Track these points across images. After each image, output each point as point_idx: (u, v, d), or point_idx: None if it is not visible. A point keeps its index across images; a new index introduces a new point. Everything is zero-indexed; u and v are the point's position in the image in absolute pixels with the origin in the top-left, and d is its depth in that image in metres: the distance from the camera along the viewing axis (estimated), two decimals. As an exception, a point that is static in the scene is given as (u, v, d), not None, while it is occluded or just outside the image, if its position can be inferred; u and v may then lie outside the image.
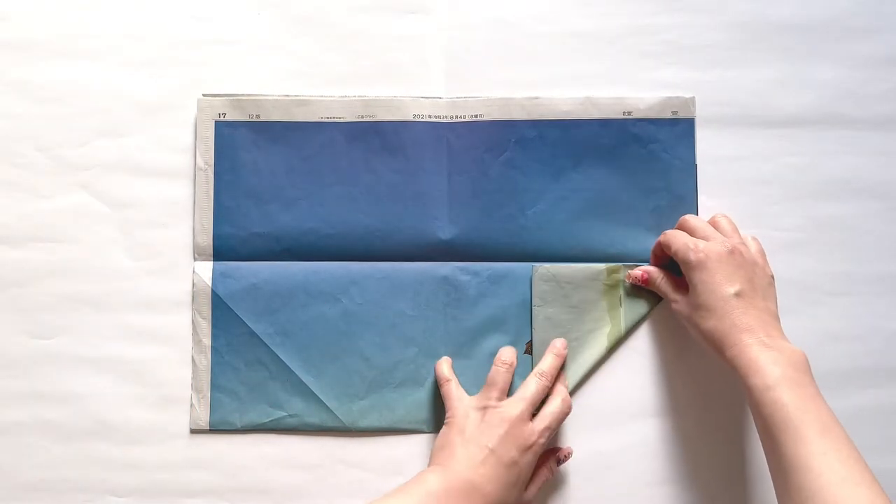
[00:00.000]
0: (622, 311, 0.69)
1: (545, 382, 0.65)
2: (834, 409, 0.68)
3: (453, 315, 0.69)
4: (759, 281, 0.62)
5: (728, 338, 0.60)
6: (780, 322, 0.62)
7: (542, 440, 0.63)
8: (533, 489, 0.64)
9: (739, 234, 0.66)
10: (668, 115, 0.70)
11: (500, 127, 0.70)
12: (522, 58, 0.71)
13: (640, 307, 0.69)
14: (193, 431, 0.69)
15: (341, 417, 0.69)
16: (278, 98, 0.70)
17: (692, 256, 0.63)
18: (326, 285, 0.69)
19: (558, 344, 0.68)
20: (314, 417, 0.69)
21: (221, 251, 0.70)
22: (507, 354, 0.67)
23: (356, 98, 0.70)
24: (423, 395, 0.69)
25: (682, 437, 0.68)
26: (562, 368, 0.67)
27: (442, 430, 0.65)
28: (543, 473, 0.65)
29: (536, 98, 0.70)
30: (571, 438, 0.69)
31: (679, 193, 0.70)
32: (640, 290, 0.69)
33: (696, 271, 0.62)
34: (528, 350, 0.69)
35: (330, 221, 0.70)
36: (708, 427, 0.69)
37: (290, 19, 0.71)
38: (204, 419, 0.69)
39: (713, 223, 0.67)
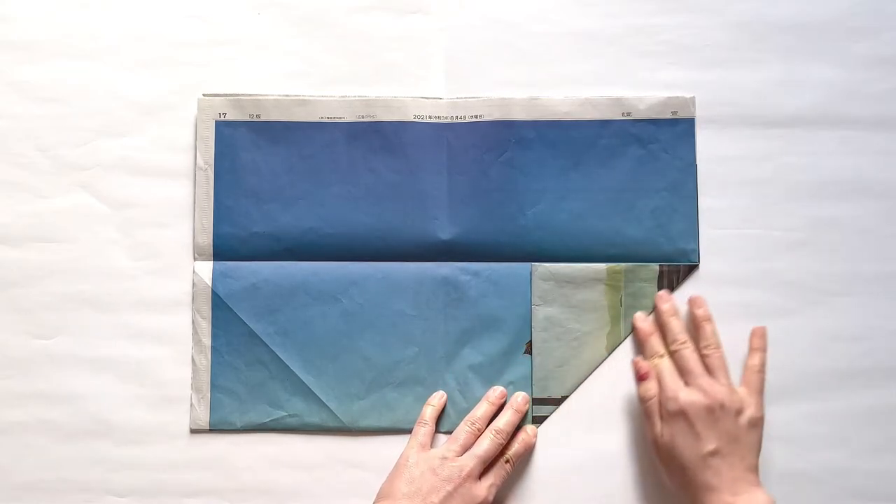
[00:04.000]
0: (623, 311, 0.69)
1: (499, 440, 0.65)
2: (834, 409, 0.68)
3: (453, 315, 0.69)
4: (738, 432, 0.62)
5: (697, 497, 0.61)
6: (756, 472, 0.62)
7: (489, 498, 0.64)
8: None
9: (726, 373, 0.65)
10: (668, 115, 0.70)
11: (500, 127, 0.70)
12: (522, 58, 0.71)
13: (641, 308, 0.69)
14: (193, 431, 0.69)
15: (341, 417, 0.69)
16: (278, 98, 0.70)
17: (671, 406, 0.62)
18: (326, 285, 0.69)
19: (519, 399, 0.68)
20: (314, 417, 0.69)
21: (221, 251, 0.70)
22: (480, 416, 0.66)
23: (356, 98, 0.70)
24: (423, 394, 0.69)
25: (682, 437, 0.68)
26: (521, 423, 0.68)
27: (390, 474, 0.64)
28: None
29: (536, 98, 0.70)
30: (571, 439, 0.69)
31: (679, 193, 0.70)
32: (642, 291, 0.69)
33: (672, 420, 0.62)
34: (528, 350, 0.69)
35: (330, 221, 0.70)
36: (708, 427, 0.69)
37: (290, 19, 0.71)
38: (204, 419, 0.69)
39: (696, 328, 0.66)
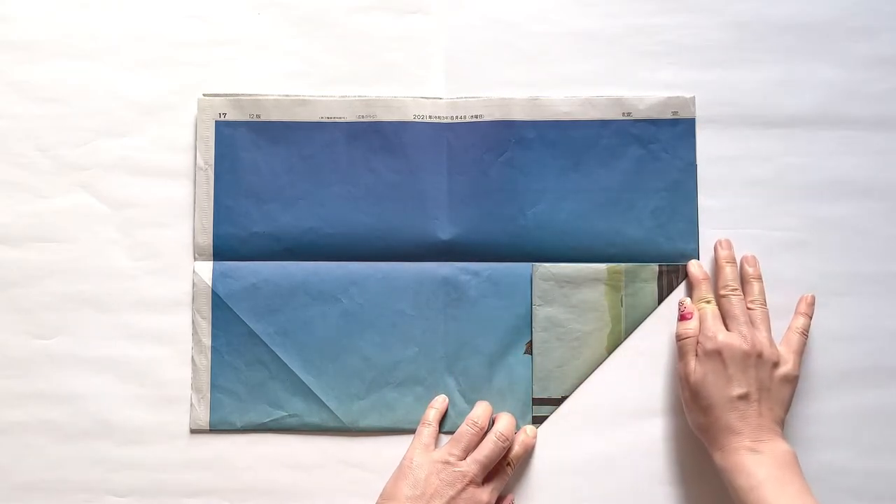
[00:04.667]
0: (623, 311, 0.69)
1: (502, 444, 0.65)
2: (834, 409, 0.68)
3: (453, 315, 0.69)
4: (771, 384, 0.62)
5: (717, 440, 0.62)
6: (781, 425, 0.62)
7: (492, 502, 0.64)
8: None
9: (768, 325, 0.65)
10: (668, 116, 0.70)
11: (500, 127, 0.70)
12: (522, 58, 0.71)
13: (641, 308, 0.69)
14: (193, 431, 0.69)
15: (341, 417, 0.69)
16: (278, 98, 0.70)
17: (708, 345, 0.63)
18: (326, 285, 0.69)
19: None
20: (314, 417, 0.69)
21: (221, 251, 0.70)
22: (480, 414, 0.66)
23: (356, 98, 0.70)
24: (423, 394, 0.69)
25: (682, 436, 0.68)
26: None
27: (394, 475, 0.64)
28: None
29: (536, 98, 0.70)
30: (571, 439, 0.69)
31: (679, 193, 0.70)
32: (642, 291, 0.69)
33: (707, 359, 0.63)
34: (528, 350, 0.69)
35: (330, 221, 0.70)
36: (708, 427, 0.69)
37: (290, 19, 0.71)
38: (204, 419, 0.69)
39: (745, 283, 0.67)
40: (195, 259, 0.70)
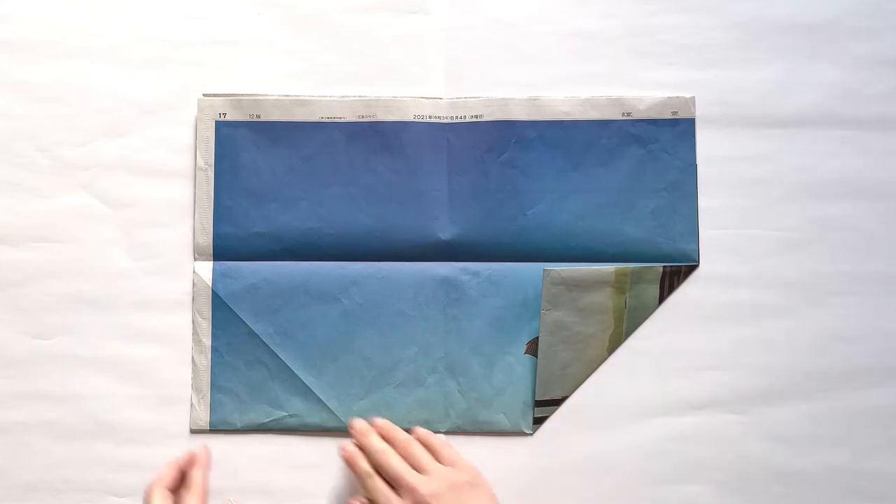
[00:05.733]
0: (626, 313, 0.69)
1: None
2: (834, 409, 0.69)
3: (453, 315, 0.69)
4: (461, 496, 0.61)
5: None
6: None
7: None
8: None
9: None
10: (668, 116, 0.70)
11: (500, 127, 0.70)
12: (522, 58, 0.71)
13: (643, 309, 0.69)
14: (193, 431, 0.69)
15: (341, 417, 0.69)
16: (278, 98, 0.70)
17: (422, 491, 0.60)
18: (326, 285, 0.69)
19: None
20: (314, 417, 0.69)
21: (221, 251, 0.70)
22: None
23: (356, 98, 0.70)
24: (423, 394, 0.69)
25: (682, 437, 0.68)
26: None
27: None
28: None
29: (536, 99, 0.70)
30: (571, 439, 0.69)
31: (679, 193, 0.70)
32: (645, 293, 0.69)
33: None
34: (529, 350, 0.69)
35: (330, 221, 0.70)
36: (706, 428, 0.69)
37: (290, 19, 0.71)
38: (204, 419, 0.69)
39: (389, 441, 0.64)
40: (195, 259, 0.70)
